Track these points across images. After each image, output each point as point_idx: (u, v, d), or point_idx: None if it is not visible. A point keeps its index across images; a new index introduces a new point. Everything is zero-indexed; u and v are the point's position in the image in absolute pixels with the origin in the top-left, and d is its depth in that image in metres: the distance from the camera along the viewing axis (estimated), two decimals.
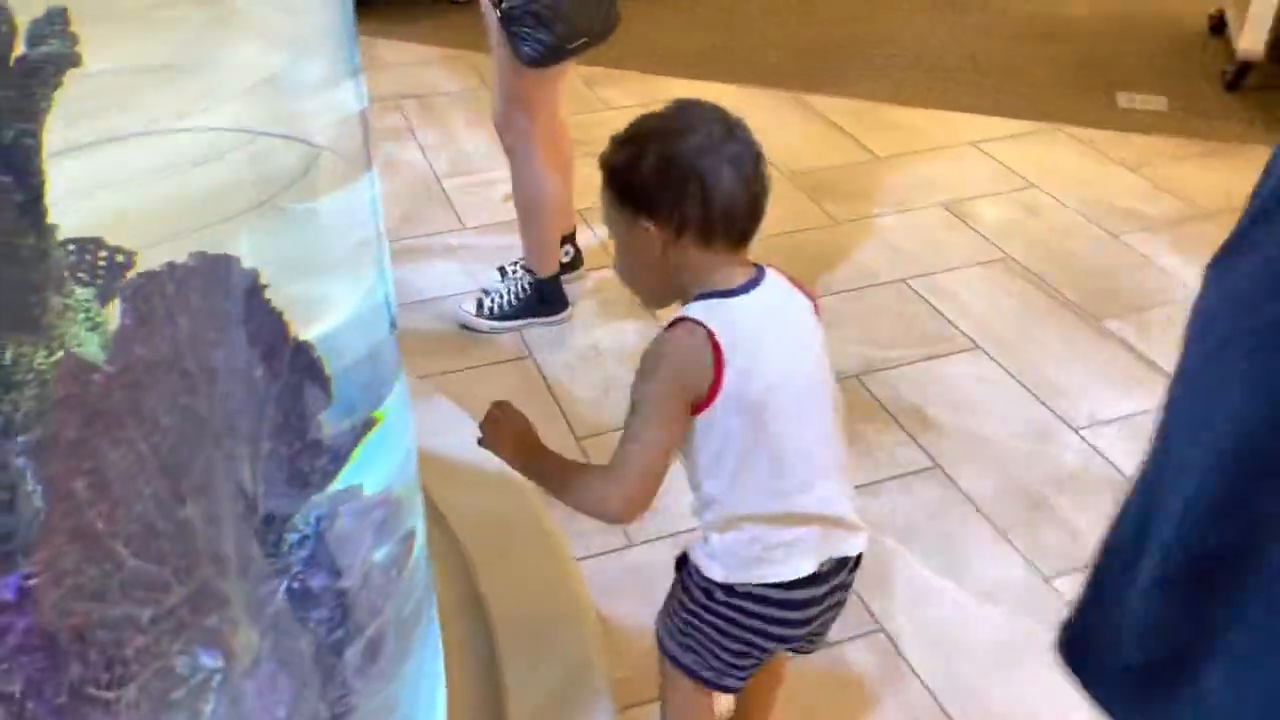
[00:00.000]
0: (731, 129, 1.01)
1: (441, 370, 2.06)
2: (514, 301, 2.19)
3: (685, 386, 0.99)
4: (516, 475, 1.14)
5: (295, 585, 0.92)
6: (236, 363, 0.84)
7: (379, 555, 1.02)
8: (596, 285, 2.35)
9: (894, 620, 1.55)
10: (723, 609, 1.08)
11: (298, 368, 0.91)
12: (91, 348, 0.76)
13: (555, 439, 1.85)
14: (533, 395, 1.99)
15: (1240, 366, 0.48)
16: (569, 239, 2.28)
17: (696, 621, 1.11)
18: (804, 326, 1.09)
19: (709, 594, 1.09)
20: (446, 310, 2.25)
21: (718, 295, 1.02)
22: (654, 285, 1.07)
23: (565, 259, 2.26)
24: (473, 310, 2.20)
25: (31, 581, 0.62)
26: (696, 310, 1.00)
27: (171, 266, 0.78)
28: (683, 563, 1.15)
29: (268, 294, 0.85)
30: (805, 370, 1.06)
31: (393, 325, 1.01)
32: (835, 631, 1.48)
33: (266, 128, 0.83)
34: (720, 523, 1.05)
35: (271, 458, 0.88)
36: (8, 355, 0.74)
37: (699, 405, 0.99)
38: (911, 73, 3.45)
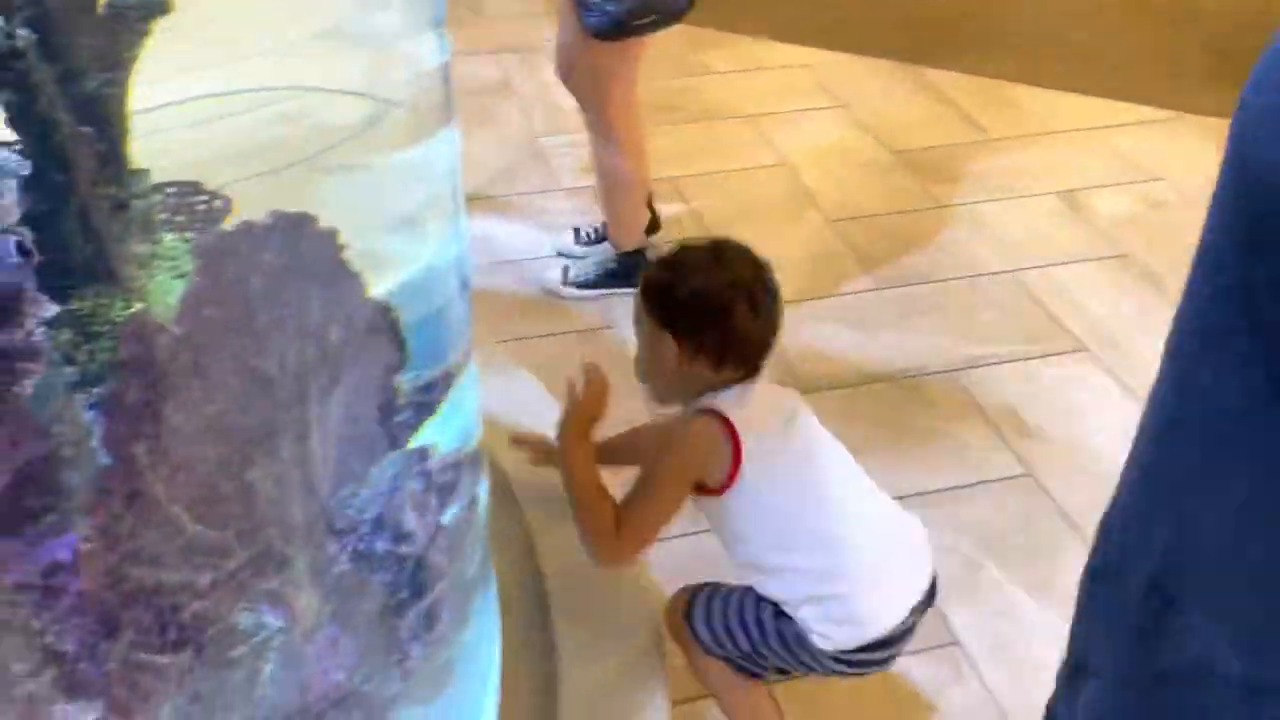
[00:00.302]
0: (759, 273, 1.15)
1: (521, 335, 2.05)
2: (599, 273, 2.17)
3: (700, 473, 1.13)
4: None
5: (361, 548, 0.91)
6: (310, 323, 0.82)
7: (445, 519, 1.01)
8: None
9: (969, 635, 1.48)
10: (770, 624, 1.15)
11: (375, 329, 0.89)
12: (175, 299, 0.75)
13: (630, 414, 1.82)
14: (611, 368, 1.95)
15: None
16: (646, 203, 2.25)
17: (739, 616, 1.16)
18: (794, 403, 1.22)
19: (760, 604, 1.16)
20: (531, 274, 2.23)
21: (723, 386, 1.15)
22: (663, 387, 1.21)
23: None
24: (558, 277, 2.18)
25: (85, 546, 0.61)
26: (713, 402, 1.13)
27: (248, 225, 0.76)
28: None
29: (345, 254, 0.83)
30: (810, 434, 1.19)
31: (464, 286, 0.98)
32: (909, 647, 1.42)
33: (330, 81, 0.80)
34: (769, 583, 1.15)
35: (344, 419, 0.87)
36: (86, 306, 0.74)
37: (722, 487, 1.11)
38: (1036, 51, 3.26)
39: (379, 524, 0.91)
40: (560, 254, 2.29)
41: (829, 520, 1.12)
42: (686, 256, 1.18)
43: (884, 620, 1.12)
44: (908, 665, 1.40)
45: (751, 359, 1.14)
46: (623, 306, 2.14)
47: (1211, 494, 0.40)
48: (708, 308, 1.12)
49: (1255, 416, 0.38)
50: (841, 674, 1.16)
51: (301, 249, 0.79)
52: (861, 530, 1.13)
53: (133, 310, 0.73)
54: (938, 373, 1.97)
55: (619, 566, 1.15)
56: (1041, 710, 1.29)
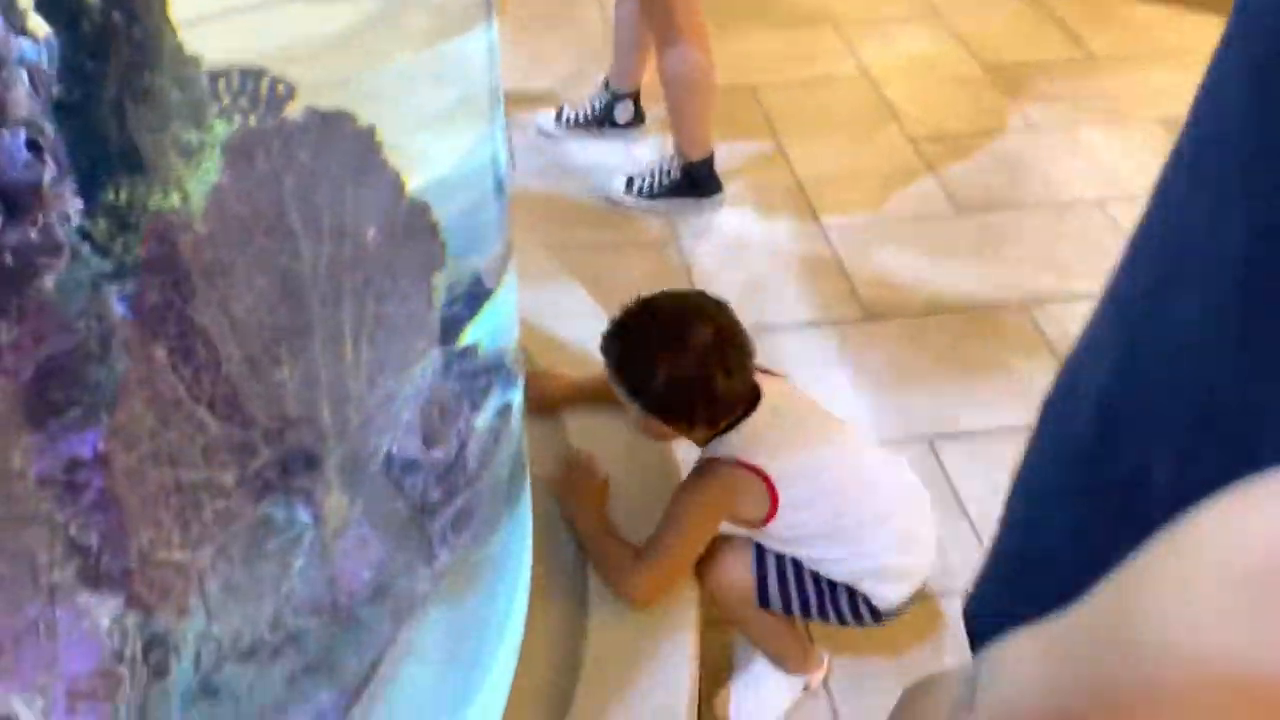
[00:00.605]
0: (721, 329, 1.12)
1: (581, 244, 2.01)
2: (665, 183, 2.11)
3: (737, 516, 1.16)
4: None
5: (393, 449, 0.90)
6: (346, 223, 0.80)
7: (478, 423, 1.00)
8: (755, 172, 2.22)
9: None
10: (841, 588, 1.18)
11: (412, 228, 0.87)
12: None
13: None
14: (673, 283, 1.91)
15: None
16: (635, 96, 2.26)
17: (814, 581, 1.18)
18: (800, 394, 1.24)
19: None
20: (598, 182, 2.17)
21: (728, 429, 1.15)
22: (664, 440, 1.23)
23: (630, 118, 2.28)
24: (622, 187, 2.13)
25: (105, 444, 0.61)
26: (732, 451, 1.14)
27: (282, 123, 0.73)
28: None
29: (385, 153, 0.81)
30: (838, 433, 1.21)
31: (500, 187, 0.95)
32: (959, 585, 1.39)
33: None
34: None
35: (378, 320, 0.86)
36: (122, 196, 0.72)
37: (763, 521, 1.14)
38: None
39: (411, 426, 0.90)
40: (541, 132, 2.32)
41: (867, 505, 1.17)
42: (649, 339, 1.13)
43: (925, 569, 1.20)
44: (958, 607, 1.38)
45: (742, 406, 1.15)
46: (684, 222, 2.09)
47: (1163, 311, 0.42)
48: (686, 393, 1.11)
49: (1217, 233, 0.39)
50: (878, 623, 1.21)
51: (337, 146, 0.77)
52: (890, 498, 1.19)
53: (170, 202, 0.72)
54: (1009, 306, 1.88)
55: (650, 605, 1.14)
56: None
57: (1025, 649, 0.42)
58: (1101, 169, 2.23)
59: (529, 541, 1.18)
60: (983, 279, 1.95)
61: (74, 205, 0.64)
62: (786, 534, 1.15)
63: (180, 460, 0.67)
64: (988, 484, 1.54)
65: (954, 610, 1.38)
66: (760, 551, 1.18)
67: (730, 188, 2.15)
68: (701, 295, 1.20)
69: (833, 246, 2.02)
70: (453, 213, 0.89)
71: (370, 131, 0.78)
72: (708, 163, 2.10)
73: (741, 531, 1.19)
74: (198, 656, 0.75)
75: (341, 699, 0.89)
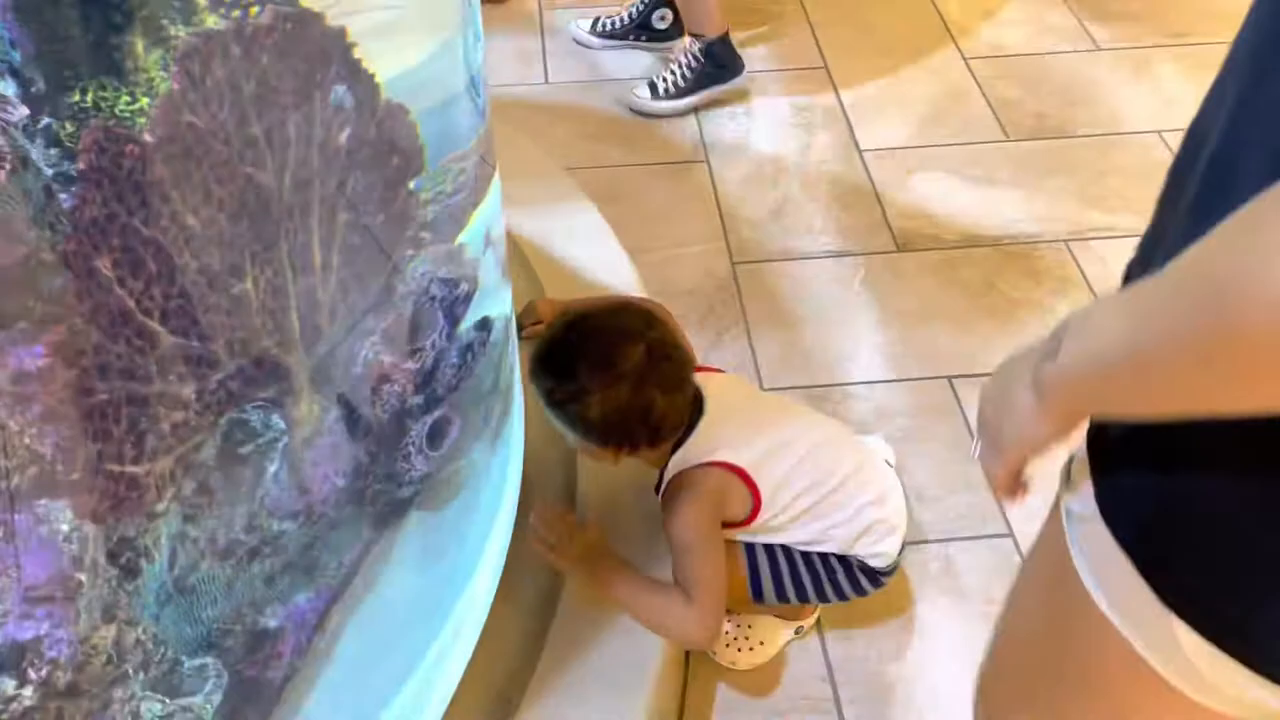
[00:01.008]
0: (654, 346, 1.06)
1: (608, 162, 1.96)
2: (688, 75, 2.02)
3: (725, 518, 1.11)
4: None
5: (368, 356, 0.90)
6: (314, 128, 0.77)
7: (459, 331, 0.99)
8: (795, 89, 2.13)
9: (1027, 526, 1.41)
10: (835, 563, 1.17)
11: (386, 133, 0.84)
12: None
13: (711, 260, 1.75)
14: (698, 206, 1.86)
15: None
16: (673, 3, 2.16)
17: (807, 568, 1.16)
18: (739, 381, 1.26)
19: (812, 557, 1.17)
20: (621, 94, 2.10)
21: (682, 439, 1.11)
22: (607, 461, 1.13)
23: (668, 24, 2.20)
24: (647, 95, 2.05)
25: (45, 358, 0.60)
26: (703, 453, 1.10)
27: (239, 26, 0.70)
28: None
29: (357, 53, 0.78)
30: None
31: (474, 87, 0.92)
32: (959, 527, 1.37)
33: None
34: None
35: (352, 228, 0.84)
36: (88, 98, 0.70)
37: (749, 518, 1.12)
38: None
39: (388, 334, 0.89)
40: (575, 41, 2.24)
41: (839, 466, 1.15)
42: (577, 370, 1.06)
43: (903, 514, 1.19)
44: (956, 552, 1.36)
45: (684, 421, 1.11)
46: (718, 130, 2.02)
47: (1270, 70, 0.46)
48: (623, 422, 1.06)
49: None
50: (878, 587, 1.20)
51: (305, 49, 0.74)
52: (853, 455, 1.18)
53: (139, 105, 0.70)
54: (1050, 241, 1.80)
55: (715, 636, 1.09)
56: None
57: (1110, 306, 0.47)
58: (1166, 99, 2.10)
59: (517, 460, 1.18)
60: (1024, 211, 1.86)
61: (19, 113, 0.63)
62: (774, 523, 1.13)
63: (132, 373, 0.67)
64: None
65: (943, 554, 1.36)
66: (749, 549, 1.15)
67: (767, 106, 2.07)
68: (627, 308, 1.14)
69: (869, 172, 1.94)
70: (432, 116, 0.86)
71: (340, 32, 0.75)
72: (725, 40, 2.01)
73: (731, 534, 1.15)
74: (173, 556, 0.76)
75: (319, 600, 0.90)
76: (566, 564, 1.11)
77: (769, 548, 1.15)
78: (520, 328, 1.30)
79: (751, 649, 1.23)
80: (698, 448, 1.10)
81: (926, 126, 2.04)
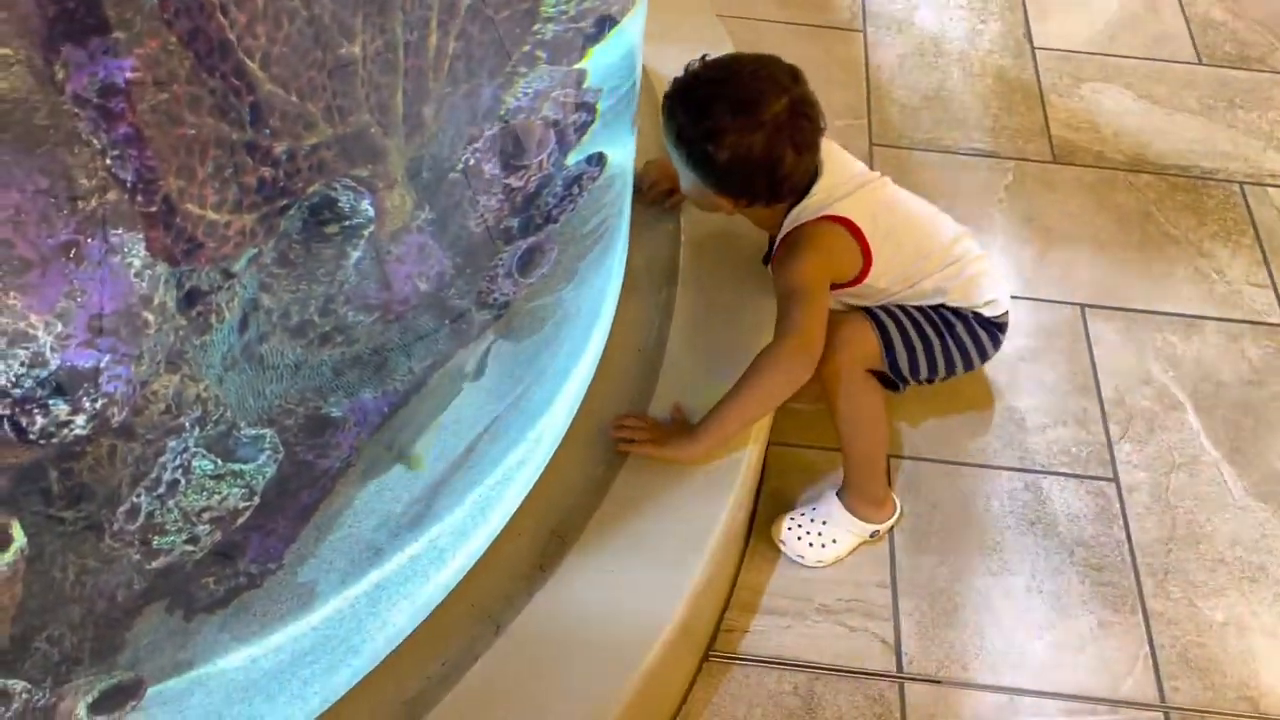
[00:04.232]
0: (795, 100, 1.05)
1: (761, 15, 1.83)
2: None
3: (837, 274, 1.14)
4: None
5: (470, 161, 0.85)
6: None
7: (569, 160, 0.93)
8: None
9: (1134, 475, 1.30)
10: (951, 318, 1.20)
11: None
12: None
13: (848, 137, 1.63)
14: (847, 76, 1.73)
15: None
16: None
17: (933, 326, 1.18)
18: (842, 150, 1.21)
19: (929, 313, 1.20)
20: None
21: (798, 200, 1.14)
22: (719, 213, 1.17)
23: None
24: None
25: (134, 74, 0.56)
26: (822, 208, 1.12)
27: None
28: None
29: None
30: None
31: None
32: (1061, 462, 1.28)
33: None
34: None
35: (475, 17, 0.77)
36: None
37: (860, 277, 1.14)
38: None
39: (494, 143, 0.84)
40: None
41: (943, 223, 1.20)
42: (714, 109, 1.05)
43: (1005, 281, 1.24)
44: (1052, 486, 1.27)
45: (805, 185, 1.12)
46: (880, 11, 1.86)
47: None
48: (749, 172, 1.06)
49: None
50: (997, 346, 1.23)
51: None
52: (958, 229, 1.22)
53: None
54: (1223, 180, 1.63)
55: (816, 361, 1.07)
56: (1182, 573, 1.16)
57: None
58: None
59: (608, 314, 1.13)
60: (1201, 144, 1.68)
61: None
62: (888, 279, 1.15)
63: (224, 113, 0.63)
64: (1132, 369, 1.38)
65: (1036, 485, 1.27)
66: (875, 317, 1.17)
67: None
68: (776, 61, 1.09)
69: (1038, 71, 1.77)
70: None
71: None
72: None
73: (851, 301, 1.18)
74: (244, 322, 0.73)
75: (384, 401, 0.88)
76: (665, 450, 1.05)
77: (890, 311, 1.17)
78: (639, 189, 1.24)
79: (824, 545, 1.18)
80: (814, 204, 1.12)
81: (1112, 33, 1.84)
